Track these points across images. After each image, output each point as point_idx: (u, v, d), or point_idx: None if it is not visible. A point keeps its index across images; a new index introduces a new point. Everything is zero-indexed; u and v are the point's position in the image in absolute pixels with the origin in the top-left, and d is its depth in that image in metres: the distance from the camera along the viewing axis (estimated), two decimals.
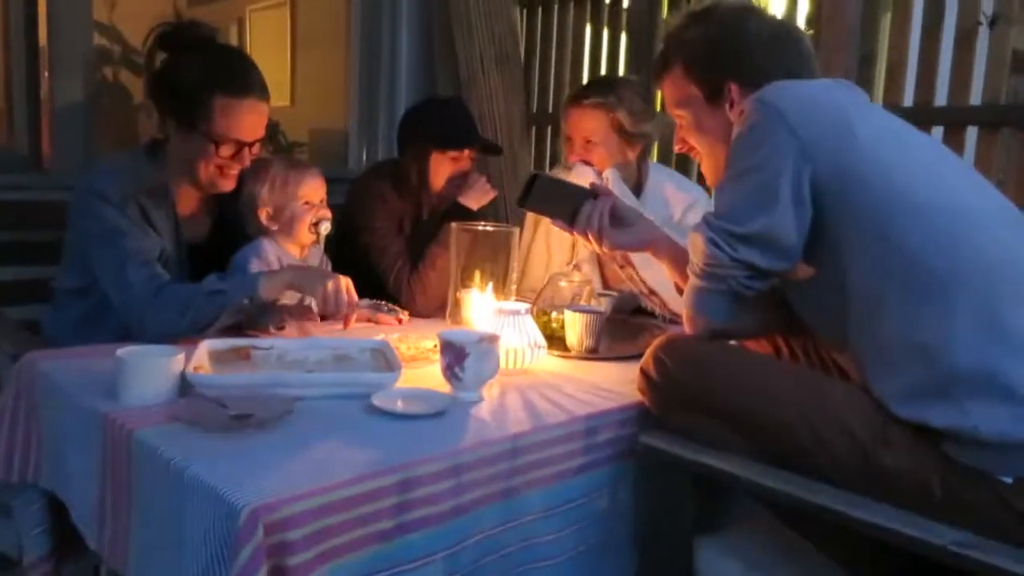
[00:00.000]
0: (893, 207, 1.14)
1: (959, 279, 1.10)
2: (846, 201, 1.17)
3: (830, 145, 1.17)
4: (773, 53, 1.35)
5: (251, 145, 1.69)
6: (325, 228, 1.79)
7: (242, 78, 1.66)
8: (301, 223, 1.77)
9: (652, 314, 2.07)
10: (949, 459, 1.09)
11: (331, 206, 1.84)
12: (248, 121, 1.66)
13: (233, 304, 1.55)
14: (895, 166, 1.17)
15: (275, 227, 1.78)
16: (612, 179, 2.04)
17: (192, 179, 1.70)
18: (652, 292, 1.90)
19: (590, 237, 1.48)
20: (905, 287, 1.12)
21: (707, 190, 2.19)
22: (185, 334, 1.50)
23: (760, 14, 1.39)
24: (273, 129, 3.98)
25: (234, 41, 4.34)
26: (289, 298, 1.71)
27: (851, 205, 1.16)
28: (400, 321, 1.90)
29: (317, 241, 1.80)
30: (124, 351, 1.26)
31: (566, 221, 1.51)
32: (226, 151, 1.66)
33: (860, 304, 1.17)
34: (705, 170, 1.47)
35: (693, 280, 1.28)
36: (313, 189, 1.80)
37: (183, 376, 1.27)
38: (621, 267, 1.95)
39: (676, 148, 1.48)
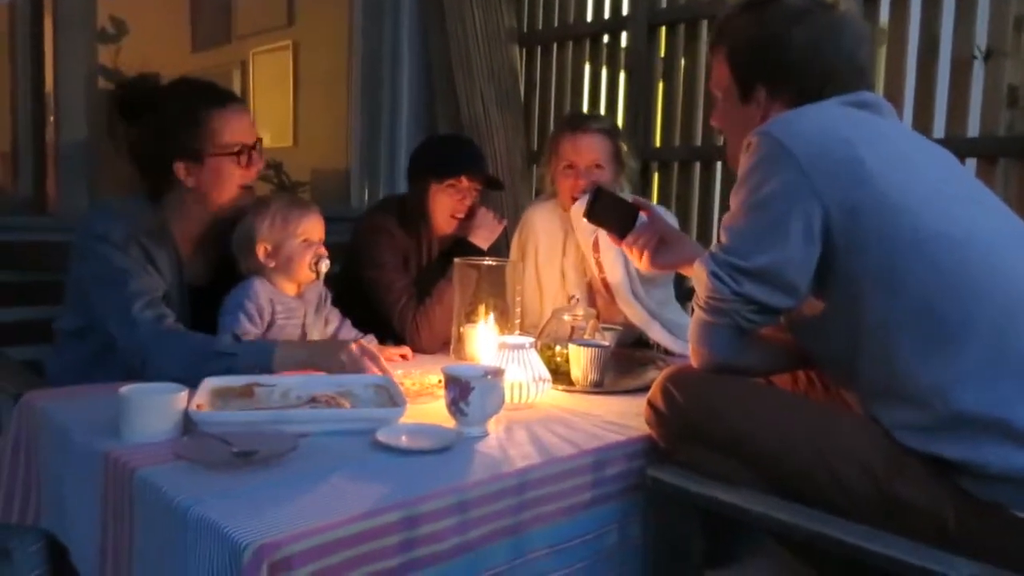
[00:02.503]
0: (901, 244, 1.12)
1: (969, 318, 1.08)
2: (856, 239, 1.14)
3: (840, 183, 1.15)
4: (810, 66, 1.30)
5: (254, 148, 1.74)
6: (325, 266, 1.77)
7: (220, 93, 1.76)
8: (301, 261, 1.75)
9: (649, 344, 2.08)
10: (963, 491, 1.07)
11: (333, 245, 1.84)
12: (242, 123, 1.73)
13: (240, 370, 1.52)
14: (904, 201, 1.14)
15: (272, 264, 1.75)
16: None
17: (212, 207, 1.72)
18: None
19: (635, 252, 1.55)
20: (915, 326, 1.10)
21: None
22: (183, 382, 1.49)
23: (814, 17, 1.30)
24: (276, 169, 4.01)
25: (237, 84, 4.40)
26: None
27: (861, 243, 1.14)
28: (404, 357, 1.89)
29: (317, 278, 1.79)
30: (127, 389, 1.25)
31: (618, 235, 1.59)
32: (242, 160, 1.71)
33: (872, 341, 1.15)
34: (728, 151, 1.47)
35: (697, 312, 1.27)
36: (313, 227, 1.78)
37: (186, 413, 1.26)
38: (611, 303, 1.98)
39: (712, 121, 1.49)
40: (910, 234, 1.12)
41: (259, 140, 1.77)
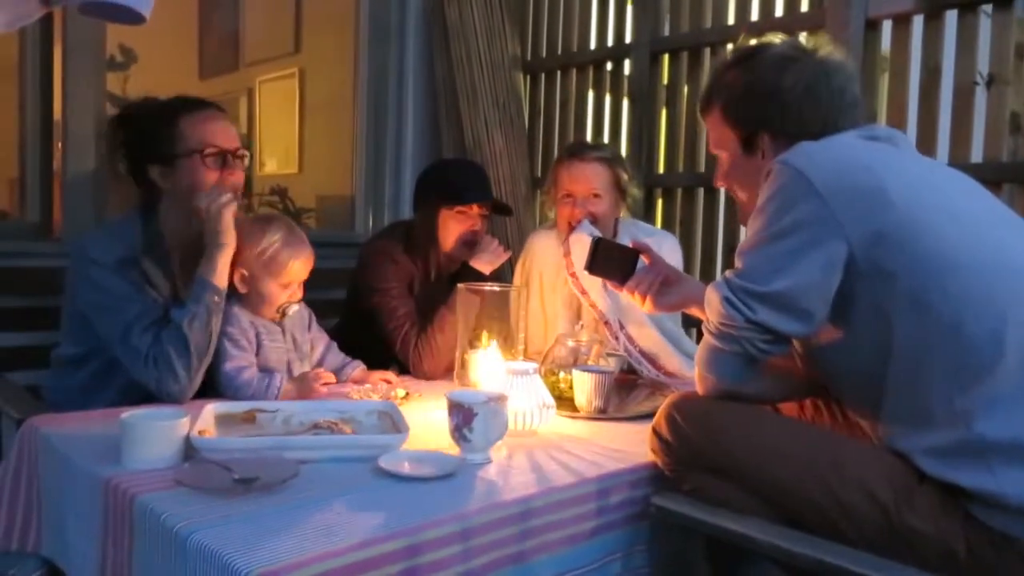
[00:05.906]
0: (930, 269, 1.11)
1: (999, 341, 1.07)
2: (883, 266, 1.13)
3: (863, 212, 1.14)
4: (808, 106, 1.30)
5: (234, 153, 1.72)
6: (292, 310, 1.76)
7: (195, 100, 1.77)
8: (272, 303, 1.73)
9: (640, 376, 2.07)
10: (975, 521, 1.06)
11: (338, 270, 1.83)
12: (218, 126, 1.73)
13: (212, 312, 1.61)
14: (930, 225, 1.13)
15: (244, 290, 1.72)
16: (588, 228, 2.07)
17: (192, 219, 1.70)
18: (643, 354, 1.92)
19: (637, 296, 1.55)
20: (946, 351, 1.09)
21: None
22: (200, 361, 1.59)
23: (802, 63, 1.32)
24: (281, 195, 4.04)
25: (244, 111, 4.43)
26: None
27: (889, 269, 1.13)
28: (388, 382, 1.86)
29: (279, 321, 1.77)
30: (128, 415, 1.25)
31: (620, 282, 1.59)
32: (212, 162, 1.69)
33: (900, 367, 1.13)
34: (740, 210, 1.46)
35: (707, 338, 1.26)
36: (300, 271, 1.75)
37: (188, 440, 1.26)
38: (615, 337, 1.97)
39: (716, 184, 1.48)
40: (938, 259, 1.12)
41: (242, 150, 1.75)
